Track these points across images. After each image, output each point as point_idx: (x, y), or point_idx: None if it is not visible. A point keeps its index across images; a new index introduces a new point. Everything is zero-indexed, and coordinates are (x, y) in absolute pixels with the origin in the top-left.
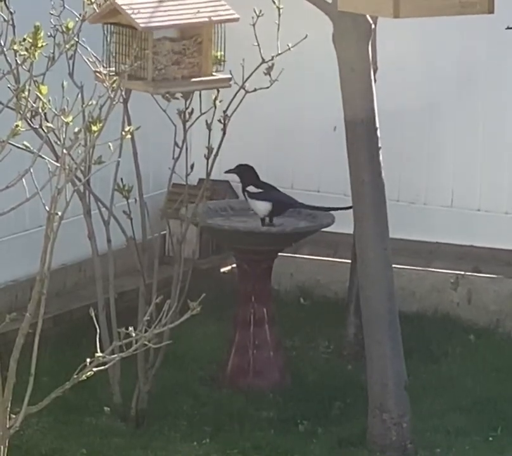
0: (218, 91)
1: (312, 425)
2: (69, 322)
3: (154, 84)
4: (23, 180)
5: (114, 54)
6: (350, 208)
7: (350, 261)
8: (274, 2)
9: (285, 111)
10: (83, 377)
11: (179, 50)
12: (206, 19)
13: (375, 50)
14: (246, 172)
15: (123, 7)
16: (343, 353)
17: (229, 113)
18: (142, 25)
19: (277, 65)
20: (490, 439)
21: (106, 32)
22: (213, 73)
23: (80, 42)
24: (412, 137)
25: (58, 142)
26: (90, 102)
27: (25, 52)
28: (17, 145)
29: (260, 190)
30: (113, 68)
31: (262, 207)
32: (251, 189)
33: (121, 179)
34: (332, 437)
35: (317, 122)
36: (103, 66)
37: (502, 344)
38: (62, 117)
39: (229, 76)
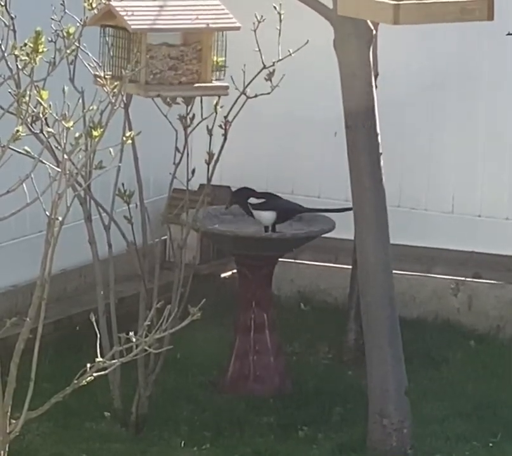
0: (219, 97)
1: (312, 431)
2: (69, 327)
3: (146, 87)
4: (24, 185)
5: (111, 57)
6: (350, 209)
7: (350, 267)
8: (275, 8)
9: (286, 117)
10: (84, 382)
11: (176, 55)
12: (204, 25)
13: (376, 56)
14: (242, 191)
15: (118, 9)
16: (343, 359)
17: (230, 118)
18: (133, 27)
19: (278, 71)
20: (490, 445)
21: (102, 35)
22: (213, 81)
23: (81, 47)
24: (413, 142)
25: (59, 147)
26: (91, 108)
27: (26, 57)
28: (18, 150)
29: (262, 200)
30: (110, 72)
31: (268, 217)
32: (252, 200)
33: (122, 184)
34: (332, 442)
35: (317, 127)
36: (102, 69)
37: (502, 350)
38: (63, 122)
39: (227, 84)
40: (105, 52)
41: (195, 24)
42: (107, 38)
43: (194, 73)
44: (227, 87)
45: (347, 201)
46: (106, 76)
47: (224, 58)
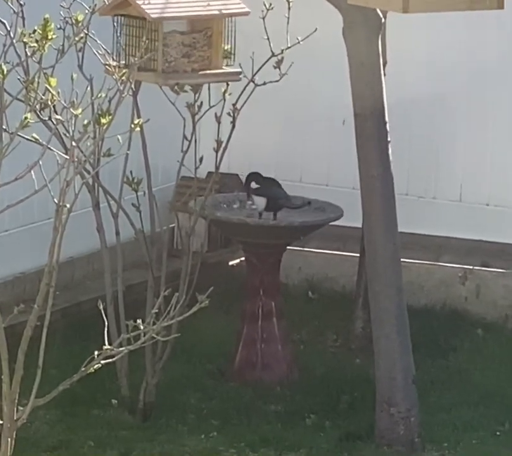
0: (227, 84)
1: (319, 419)
2: (77, 314)
3: (164, 75)
4: (32, 172)
5: (124, 47)
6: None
7: (358, 255)
8: None
9: (294, 105)
10: (91, 369)
11: (189, 43)
12: (217, 12)
13: (385, 44)
14: (251, 175)
15: None
16: (351, 347)
17: (238, 106)
18: (152, 16)
19: (287, 58)
20: (498, 433)
21: (116, 24)
22: (223, 67)
23: (89, 34)
24: (421, 131)
25: (67, 135)
26: (99, 95)
27: (35, 45)
28: (26, 137)
29: (259, 185)
30: (123, 61)
31: (259, 202)
32: (252, 184)
33: (131, 172)
34: (339, 431)
35: (326, 116)
36: (113, 59)
37: (510, 339)
38: (71, 109)
39: (239, 70)
40: (118, 41)
41: (208, 11)
42: (119, 28)
43: (205, 59)
44: (239, 73)
45: (355, 189)
46: (119, 65)
47: (230, 45)
